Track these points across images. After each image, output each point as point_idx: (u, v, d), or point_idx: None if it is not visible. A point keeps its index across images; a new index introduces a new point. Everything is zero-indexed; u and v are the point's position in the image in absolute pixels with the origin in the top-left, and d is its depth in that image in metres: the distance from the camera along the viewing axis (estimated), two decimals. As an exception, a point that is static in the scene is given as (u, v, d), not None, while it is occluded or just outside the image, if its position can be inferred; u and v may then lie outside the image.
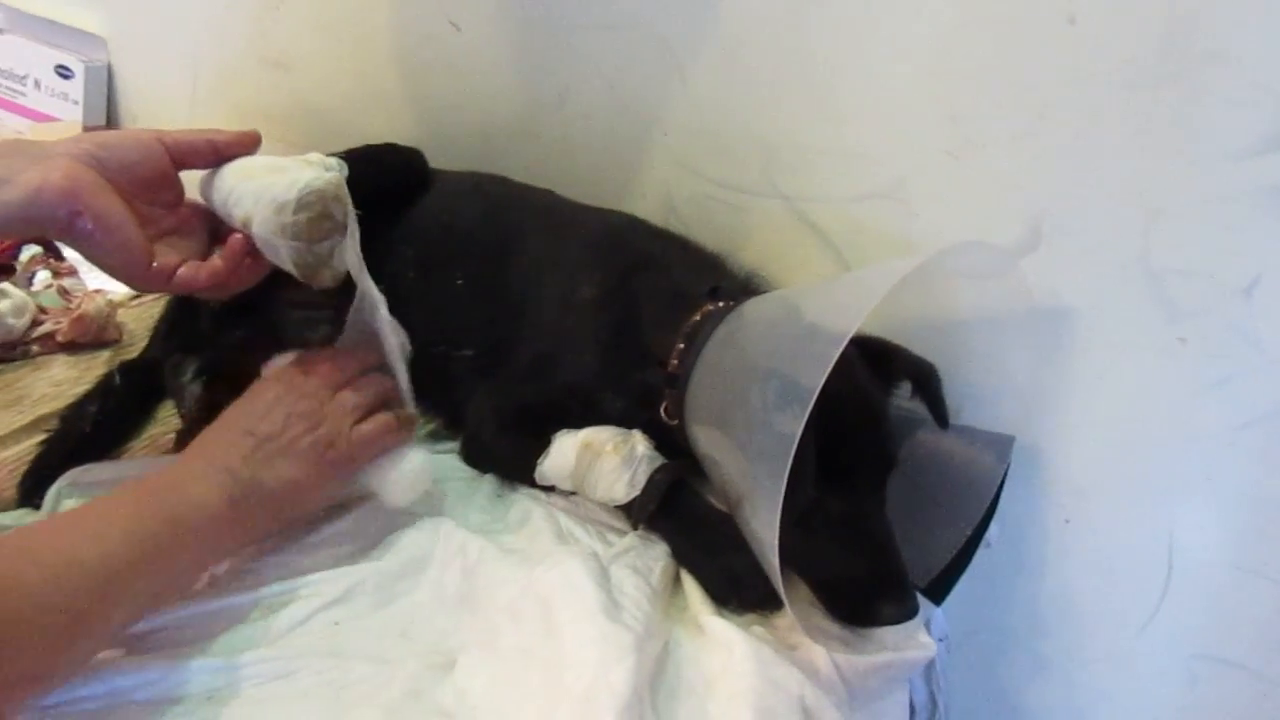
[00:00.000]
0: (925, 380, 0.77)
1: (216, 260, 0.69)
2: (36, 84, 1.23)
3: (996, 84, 0.78)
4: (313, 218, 0.66)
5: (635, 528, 0.76)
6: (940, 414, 0.77)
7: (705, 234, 0.91)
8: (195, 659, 0.63)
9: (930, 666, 0.99)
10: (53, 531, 0.60)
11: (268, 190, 0.66)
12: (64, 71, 1.20)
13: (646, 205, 0.95)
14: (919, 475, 0.79)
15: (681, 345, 0.76)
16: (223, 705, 0.61)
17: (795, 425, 0.57)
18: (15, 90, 1.25)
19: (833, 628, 0.71)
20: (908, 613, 0.68)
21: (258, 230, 0.66)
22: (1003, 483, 0.78)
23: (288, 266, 0.67)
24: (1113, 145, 0.76)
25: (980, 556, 0.91)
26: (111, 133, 0.71)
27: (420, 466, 0.74)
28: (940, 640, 0.98)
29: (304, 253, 0.66)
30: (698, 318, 0.77)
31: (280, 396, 0.70)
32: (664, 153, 0.92)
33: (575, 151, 0.96)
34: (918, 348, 0.79)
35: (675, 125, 0.91)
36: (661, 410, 0.77)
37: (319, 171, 0.67)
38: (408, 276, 0.87)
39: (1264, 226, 0.73)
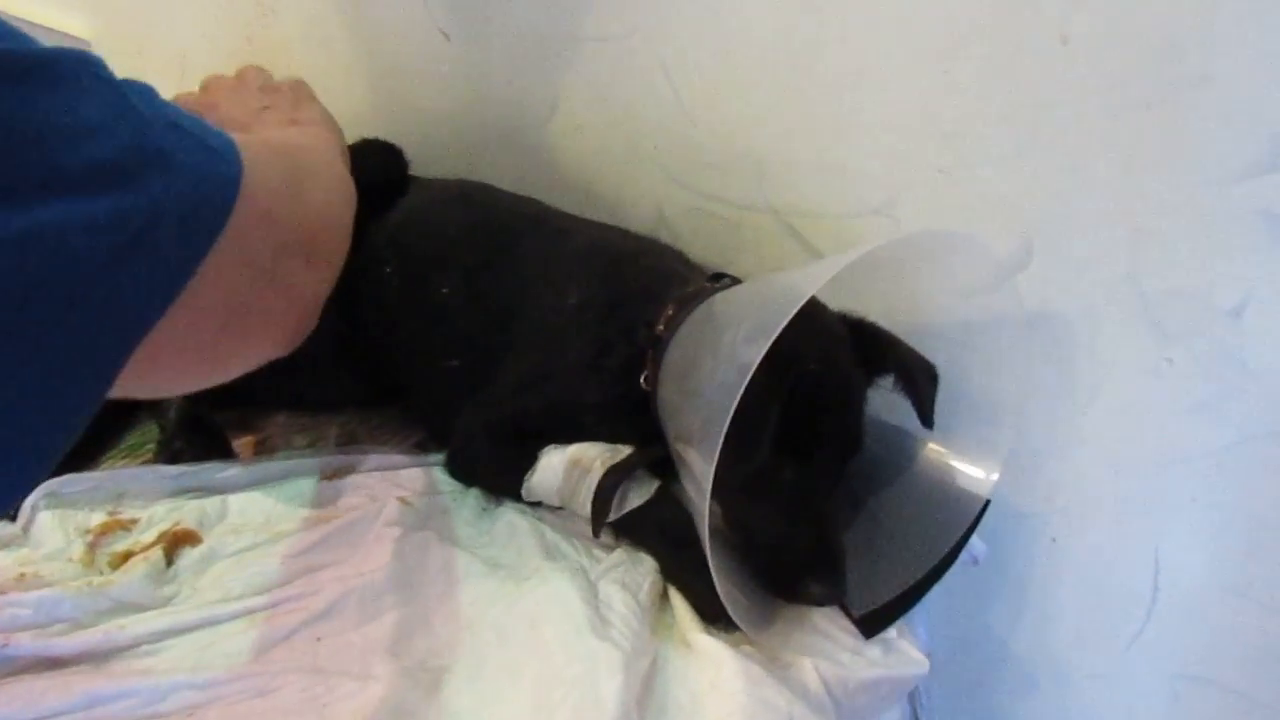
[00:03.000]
0: (912, 376, 0.76)
1: None
2: (18, 86, 1.21)
3: (989, 102, 0.78)
4: None
5: (596, 534, 0.75)
6: (924, 413, 0.76)
7: (696, 247, 0.91)
8: (176, 674, 0.62)
9: (914, 686, 0.99)
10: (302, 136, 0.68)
11: None
12: (46, 74, 1.18)
13: (638, 217, 0.95)
14: (889, 502, 0.80)
15: (670, 311, 0.76)
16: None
17: (757, 351, 0.58)
18: (-5, 92, 1.23)
19: (820, 643, 0.71)
20: (835, 595, 0.70)
21: None
22: (962, 543, 0.77)
23: None
24: (1103, 165, 0.76)
25: (966, 573, 0.90)
26: None
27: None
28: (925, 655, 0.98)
29: None
30: (692, 289, 0.78)
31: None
32: (655, 166, 0.92)
33: (566, 163, 0.95)
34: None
35: (666, 138, 0.91)
36: (641, 380, 0.76)
37: None
38: (393, 286, 0.86)
39: (1252, 249, 0.73)
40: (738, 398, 0.58)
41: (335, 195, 0.63)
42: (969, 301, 0.80)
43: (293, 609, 0.67)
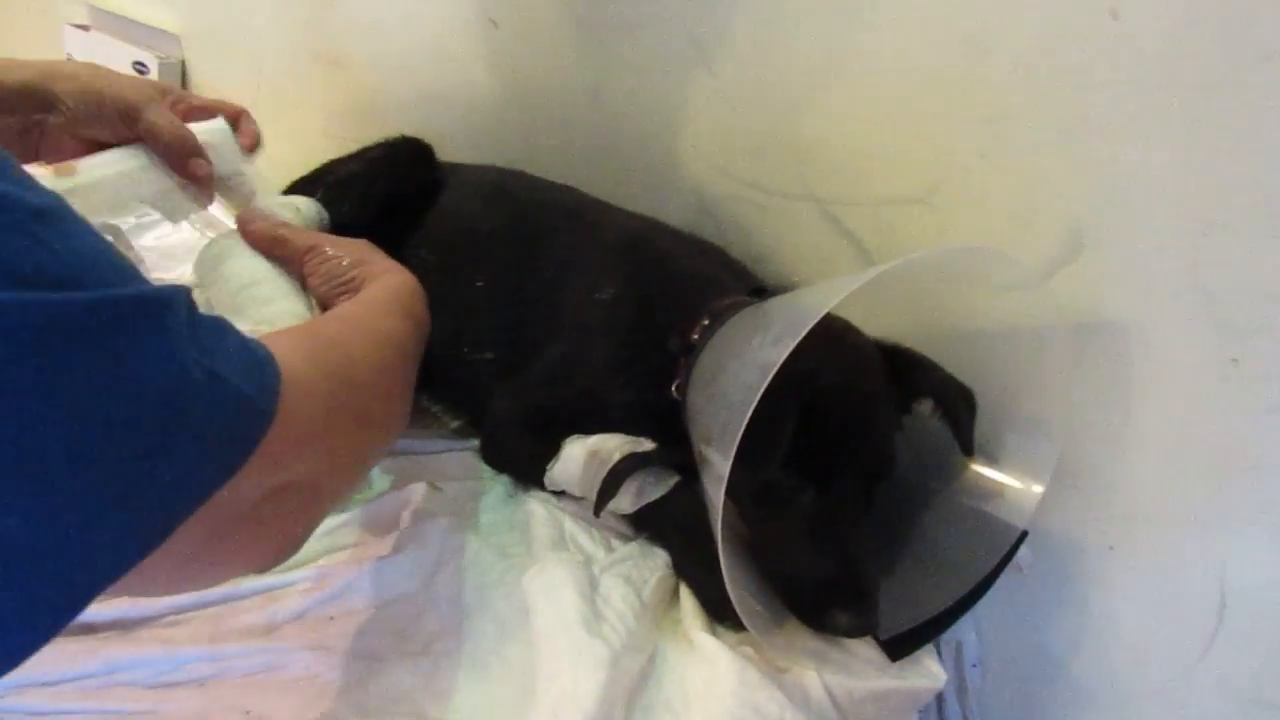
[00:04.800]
0: (950, 401, 0.74)
1: None
2: (119, 80, 1.29)
3: (1033, 83, 0.74)
4: None
5: (596, 514, 0.75)
6: (964, 439, 0.73)
7: (736, 236, 0.89)
8: (191, 645, 0.65)
9: (964, 693, 0.95)
10: (360, 309, 0.67)
11: None
12: (140, 67, 1.25)
13: (678, 204, 0.94)
14: (926, 523, 0.77)
15: (706, 321, 0.76)
16: (214, 692, 0.63)
17: (780, 353, 0.57)
18: (100, 84, 1.32)
19: (828, 650, 0.69)
20: (864, 627, 0.67)
21: None
22: (995, 575, 0.73)
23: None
24: (1160, 151, 0.71)
25: (1019, 581, 0.87)
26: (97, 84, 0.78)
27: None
28: (974, 665, 0.94)
29: None
30: (728, 302, 0.77)
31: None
32: (695, 152, 0.91)
33: (608, 149, 0.95)
34: (958, 365, 0.76)
35: (706, 125, 0.89)
36: (673, 388, 0.76)
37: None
38: (429, 279, 0.88)
39: (1326, 241, 0.67)
40: (758, 397, 0.57)
41: (391, 357, 0.63)
42: (1013, 298, 0.76)
43: (309, 588, 0.70)
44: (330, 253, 0.74)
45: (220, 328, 0.44)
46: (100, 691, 0.62)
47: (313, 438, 0.49)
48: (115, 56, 1.27)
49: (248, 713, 0.61)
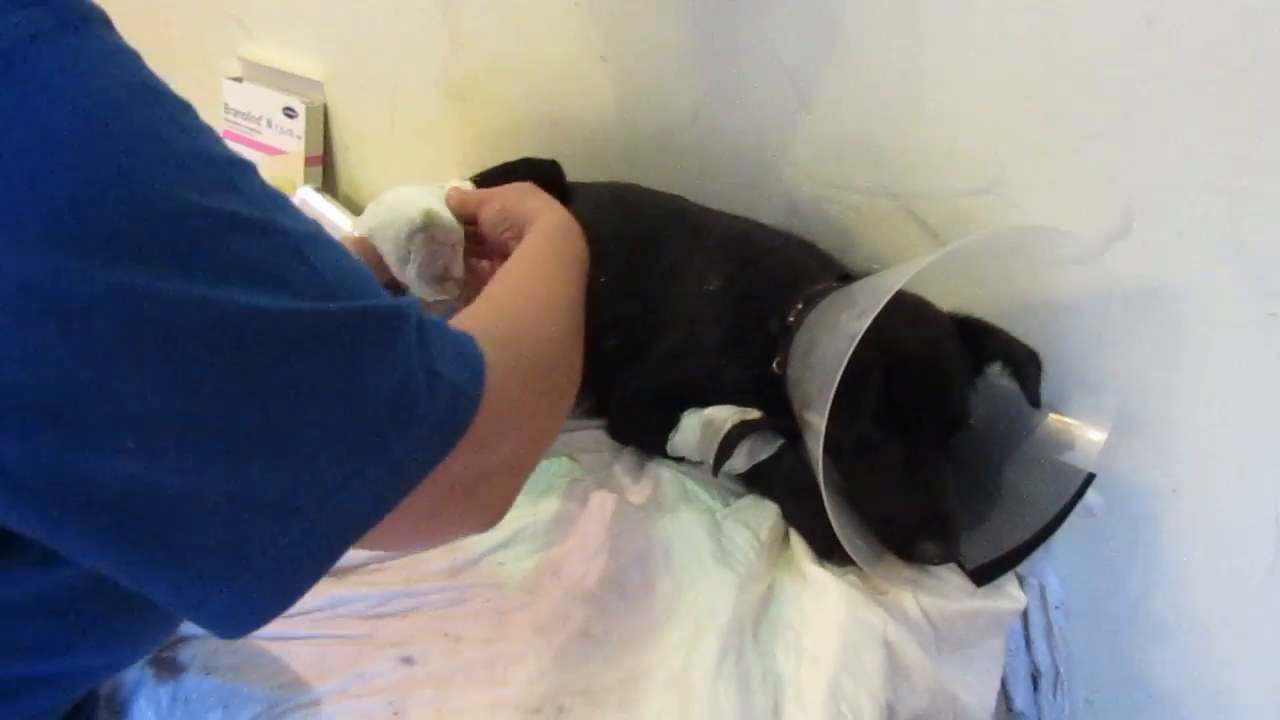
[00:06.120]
0: (1019, 362, 0.85)
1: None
2: (268, 123, 1.47)
3: (1084, 84, 0.84)
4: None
5: (714, 474, 0.87)
6: (1032, 395, 0.84)
7: (823, 232, 1.01)
8: (394, 585, 0.79)
9: (1050, 634, 1.05)
10: (527, 275, 0.73)
11: (389, 227, 0.84)
12: (290, 112, 1.43)
13: (771, 206, 1.06)
14: (1004, 468, 0.88)
15: (800, 305, 0.88)
16: (416, 620, 0.77)
17: (862, 324, 0.69)
18: (253, 129, 1.50)
19: (923, 578, 0.80)
20: (949, 553, 0.77)
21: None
22: (1066, 512, 0.84)
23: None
24: (1196, 134, 0.81)
25: (1093, 526, 0.96)
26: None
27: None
28: (1058, 608, 1.04)
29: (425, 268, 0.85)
30: (820, 288, 0.89)
31: None
32: (784, 161, 1.03)
33: (707, 163, 1.08)
34: (1025, 330, 0.87)
35: (793, 136, 1.01)
36: (774, 364, 0.88)
37: (428, 205, 0.85)
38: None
39: (1350, 204, 0.76)
40: (845, 360, 0.70)
41: (561, 318, 0.68)
42: (1073, 271, 0.86)
43: (481, 538, 0.84)
44: (497, 205, 0.85)
45: (439, 329, 0.50)
46: (326, 621, 0.77)
47: (512, 417, 0.54)
48: (267, 103, 1.45)
49: (445, 634, 0.76)
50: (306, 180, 1.43)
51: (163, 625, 0.63)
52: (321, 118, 1.43)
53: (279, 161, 1.44)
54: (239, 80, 1.49)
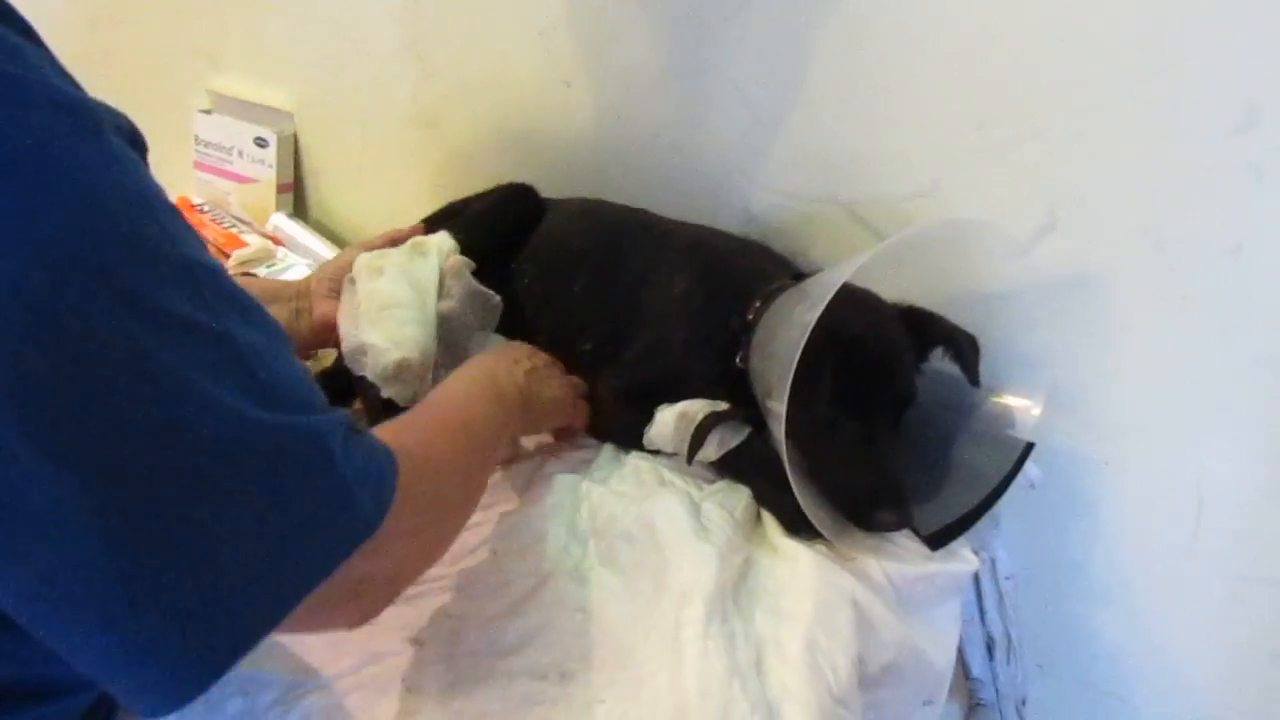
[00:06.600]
0: (960, 346, 0.93)
1: None
2: (240, 153, 1.51)
3: (1010, 94, 0.94)
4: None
5: (689, 462, 0.93)
6: (972, 376, 0.93)
7: (778, 236, 1.09)
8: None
9: (1002, 603, 1.13)
10: (443, 403, 0.80)
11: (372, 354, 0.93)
12: (261, 141, 1.48)
13: (729, 214, 1.14)
14: (951, 443, 0.96)
15: (758, 303, 0.95)
16: (420, 607, 0.81)
17: (814, 315, 0.76)
18: (224, 159, 1.54)
19: (885, 545, 0.88)
20: (903, 520, 0.85)
21: None
22: (1009, 480, 0.92)
23: None
24: (1114, 135, 0.90)
25: (1035, 500, 1.05)
26: (333, 265, 1.05)
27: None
28: (1008, 579, 1.12)
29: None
30: (775, 286, 0.96)
31: (530, 354, 0.98)
32: (740, 174, 1.11)
33: (669, 177, 1.16)
34: (965, 317, 0.95)
35: (748, 150, 1.10)
36: (738, 359, 0.95)
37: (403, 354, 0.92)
38: (535, 290, 1.09)
39: (1244, 196, 0.86)
40: (800, 349, 0.77)
41: (476, 447, 0.75)
42: (1007, 263, 0.95)
43: (480, 529, 0.90)
44: None
45: (363, 445, 0.54)
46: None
47: (406, 535, 0.58)
48: (238, 133, 1.50)
49: (450, 617, 0.81)
50: (278, 207, 1.48)
51: None
52: (292, 147, 1.48)
53: (251, 189, 1.49)
54: (209, 112, 1.54)
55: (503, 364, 0.91)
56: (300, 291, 1.03)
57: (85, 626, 0.45)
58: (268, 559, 0.48)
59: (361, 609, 0.60)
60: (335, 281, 1.01)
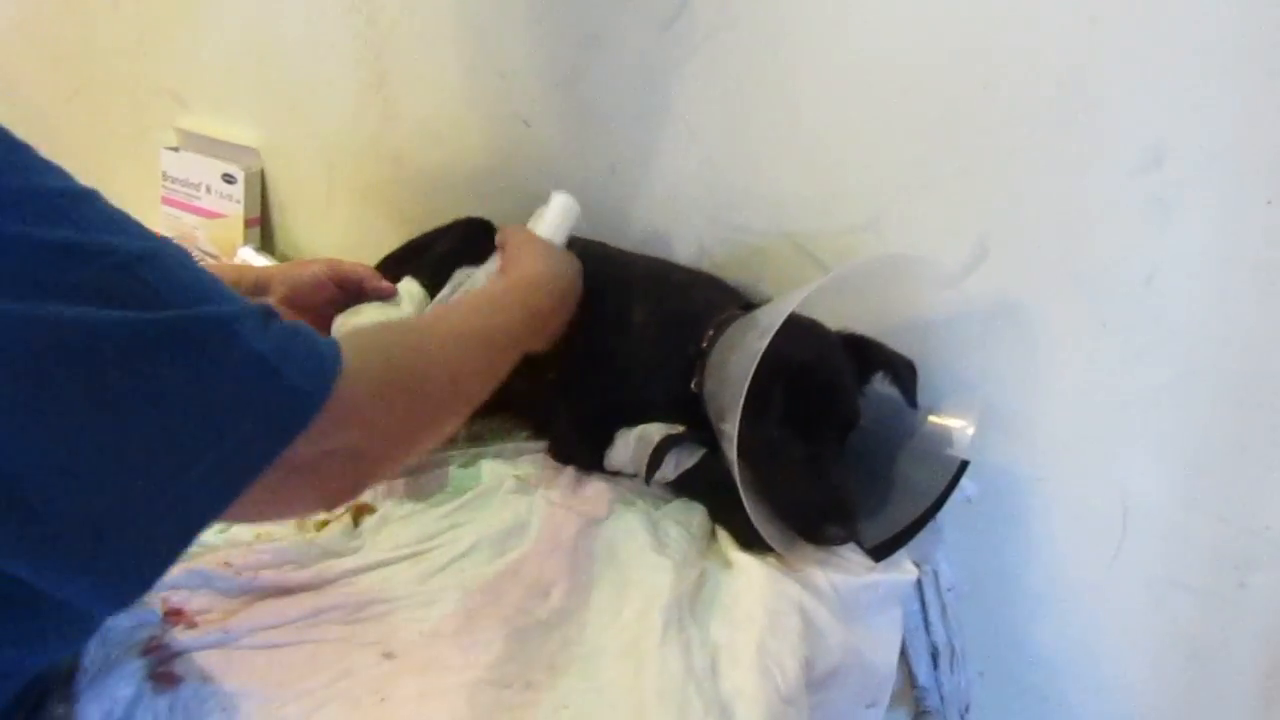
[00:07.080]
0: (898, 370, 1.00)
1: None
2: (207, 189, 1.55)
3: (941, 135, 1.01)
4: None
5: (647, 482, 0.98)
6: (910, 398, 0.99)
7: (730, 268, 1.16)
8: (369, 594, 0.89)
9: (945, 614, 1.19)
10: (463, 309, 0.83)
11: None
12: (229, 178, 1.51)
13: (683, 248, 1.20)
14: (892, 461, 1.02)
15: (711, 332, 1.01)
16: (390, 623, 0.85)
17: (764, 342, 0.82)
18: (191, 194, 1.57)
19: (830, 558, 0.93)
20: (849, 534, 0.91)
21: None
22: (947, 494, 0.97)
23: None
24: (1035, 173, 0.98)
25: (974, 515, 1.11)
26: (294, 273, 1.04)
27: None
28: (949, 590, 1.18)
29: None
30: (727, 315, 1.02)
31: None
32: (692, 209, 1.17)
33: (625, 213, 1.21)
34: (902, 343, 1.01)
35: (699, 185, 1.16)
36: (693, 384, 1.00)
37: None
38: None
39: (1153, 228, 0.93)
40: (750, 374, 0.83)
41: (468, 349, 0.76)
42: (941, 292, 1.02)
43: (445, 549, 0.94)
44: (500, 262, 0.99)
45: (292, 334, 0.54)
46: (309, 628, 0.85)
47: (355, 415, 0.58)
48: (206, 170, 1.53)
49: (420, 632, 0.85)
50: (246, 241, 1.52)
51: (76, 623, 0.66)
52: (259, 183, 1.52)
53: (219, 224, 1.53)
54: (176, 150, 1.57)
55: (536, 273, 0.94)
56: (259, 284, 1.02)
57: (29, 544, 0.47)
58: (196, 448, 0.49)
59: (327, 488, 0.61)
60: (295, 291, 1.01)
